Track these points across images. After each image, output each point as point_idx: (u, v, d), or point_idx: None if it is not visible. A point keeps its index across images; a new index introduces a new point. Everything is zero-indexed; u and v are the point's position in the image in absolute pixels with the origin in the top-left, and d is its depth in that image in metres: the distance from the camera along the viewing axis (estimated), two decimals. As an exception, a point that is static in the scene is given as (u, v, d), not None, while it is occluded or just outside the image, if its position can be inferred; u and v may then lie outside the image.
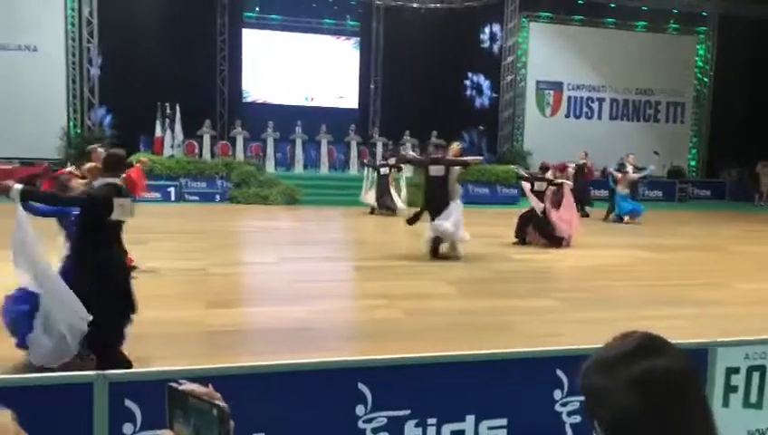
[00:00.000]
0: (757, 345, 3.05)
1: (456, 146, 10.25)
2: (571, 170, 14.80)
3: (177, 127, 18.22)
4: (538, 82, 23.21)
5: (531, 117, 23.10)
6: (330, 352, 5.01)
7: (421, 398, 2.61)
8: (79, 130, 18.72)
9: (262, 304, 7.11)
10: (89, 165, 7.17)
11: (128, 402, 2.28)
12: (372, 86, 23.82)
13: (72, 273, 4.56)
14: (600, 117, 23.91)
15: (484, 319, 6.41)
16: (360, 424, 2.54)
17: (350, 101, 23.55)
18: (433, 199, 9.66)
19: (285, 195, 16.82)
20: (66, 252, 4.95)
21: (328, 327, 6.07)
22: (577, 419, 2.78)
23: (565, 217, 11.49)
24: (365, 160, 18.04)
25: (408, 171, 18.83)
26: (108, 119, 19.85)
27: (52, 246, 5.09)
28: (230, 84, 22.42)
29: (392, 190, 15.77)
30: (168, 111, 18.06)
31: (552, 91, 23.41)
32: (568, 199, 11.69)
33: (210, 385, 1.23)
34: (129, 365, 4.27)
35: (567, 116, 23.60)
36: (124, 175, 7.13)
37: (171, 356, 4.78)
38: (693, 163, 24.88)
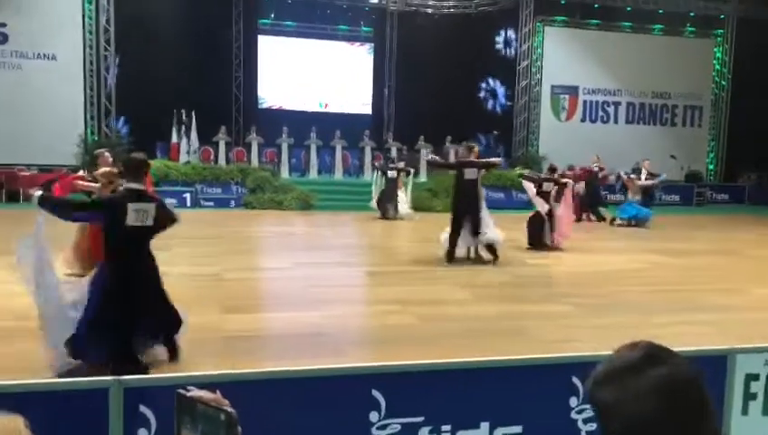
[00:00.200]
0: (777, 352, 3.00)
1: (475, 148, 10.29)
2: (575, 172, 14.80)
3: (193, 133, 18.39)
4: (553, 87, 23.10)
5: (546, 121, 22.99)
6: (344, 358, 5.01)
7: (435, 404, 2.60)
8: (96, 138, 18.92)
9: (277, 309, 7.12)
10: (102, 170, 7.31)
11: (142, 408, 2.29)
12: (386, 92, 23.86)
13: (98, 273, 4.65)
14: (616, 121, 23.75)
15: (498, 324, 6.37)
16: (374, 431, 2.53)
17: (365, 106, 23.61)
18: (467, 203, 9.63)
19: (300, 200, 16.87)
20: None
21: (342, 333, 6.07)
22: (593, 426, 2.75)
23: (564, 215, 11.59)
24: (376, 163, 18.01)
25: (422, 176, 18.86)
26: (124, 126, 20.06)
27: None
28: (245, 91, 22.58)
29: (400, 194, 15.76)
30: (184, 117, 18.23)
31: (567, 96, 23.29)
32: (567, 199, 11.73)
33: (218, 391, 1.23)
34: (145, 371, 4.30)
35: (582, 120, 23.46)
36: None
37: (187, 362, 4.80)
38: (711, 167, 24.63)
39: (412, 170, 16.52)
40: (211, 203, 17.04)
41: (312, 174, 19.05)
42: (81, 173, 8.10)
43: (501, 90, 24.48)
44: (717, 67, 24.39)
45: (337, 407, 2.50)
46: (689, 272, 9.69)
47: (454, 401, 2.61)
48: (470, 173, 9.64)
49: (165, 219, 4.79)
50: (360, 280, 9.03)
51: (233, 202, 17.20)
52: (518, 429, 2.70)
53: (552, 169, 12.41)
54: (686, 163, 22.74)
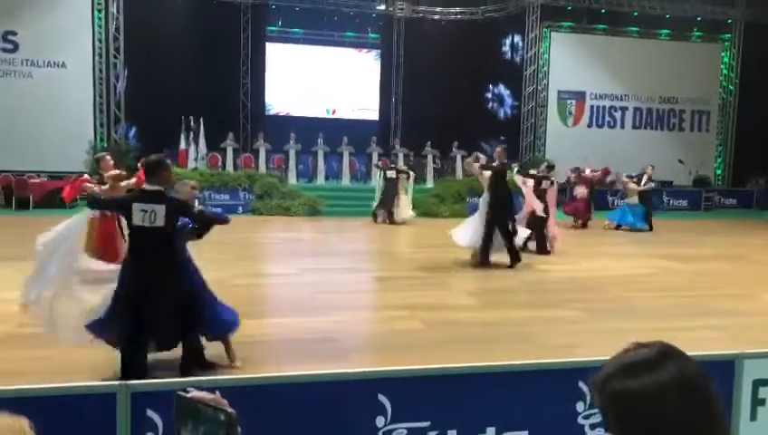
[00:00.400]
0: (785, 357, 2.98)
1: (500, 148, 10.36)
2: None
3: (201, 140, 18.48)
4: (560, 92, 23.09)
5: (553, 127, 22.97)
6: (351, 364, 5.01)
7: (441, 409, 2.60)
8: (105, 144, 19.04)
9: (284, 314, 7.13)
10: (112, 172, 7.56)
11: (149, 412, 2.31)
12: (393, 98, 23.91)
13: None
14: (623, 126, 23.71)
15: (504, 330, 6.36)
16: (380, 435, 2.53)
17: (372, 112, 23.66)
18: (509, 204, 9.90)
19: (307, 206, 16.91)
20: None
21: (349, 338, 6.07)
22: (600, 432, 2.74)
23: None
24: (378, 163, 17.85)
25: (429, 182, 18.88)
26: (133, 132, 20.18)
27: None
28: (253, 97, 22.68)
29: (402, 196, 15.73)
30: (192, 124, 18.32)
31: (574, 101, 23.27)
32: (551, 198, 11.68)
33: (217, 392, 1.25)
34: (143, 370, 4.40)
35: (589, 126, 23.43)
36: (135, 178, 7.46)
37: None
38: (719, 172, 24.52)
39: (411, 174, 16.50)
40: (219, 209, 16.93)
41: (320, 180, 19.08)
42: (86, 176, 8.28)
43: (507, 95, 24.48)
44: (725, 72, 24.31)
45: (343, 412, 2.50)
46: (697, 277, 9.65)
47: (460, 405, 2.61)
48: (505, 176, 9.99)
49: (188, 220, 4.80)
50: (367, 286, 9.03)
51: (240, 208, 17.25)
52: (524, 434, 2.69)
53: (551, 167, 12.28)
54: (694, 168, 22.66)
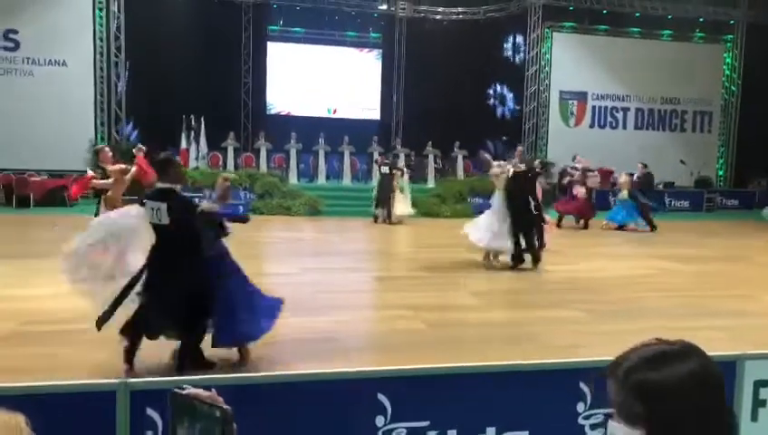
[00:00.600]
0: (787, 358, 2.98)
1: (520, 148, 10.36)
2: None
3: (202, 139, 18.50)
4: (562, 93, 23.07)
5: (554, 127, 22.95)
6: (351, 363, 5.01)
7: (441, 409, 2.59)
8: (106, 143, 19.05)
9: (285, 314, 7.10)
10: (116, 166, 7.66)
11: (149, 410, 2.30)
12: (395, 97, 23.90)
13: None
14: (624, 127, 23.69)
15: (507, 330, 6.35)
16: (380, 435, 2.52)
17: (373, 112, 23.65)
18: (526, 205, 9.85)
19: (308, 206, 16.90)
20: None
21: (350, 338, 6.07)
22: (601, 432, 2.73)
23: None
24: (376, 159, 17.74)
25: (430, 182, 18.87)
26: (134, 131, 20.19)
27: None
28: (254, 97, 22.69)
29: (398, 194, 15.70)
30: (193, 123, 18.34)
31: (575, 101, 23.26)
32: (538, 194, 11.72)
33: (213, 389, 1.24)
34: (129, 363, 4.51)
35: (591, 126, 23.41)
36: (135, 167, 7.49)
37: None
38: (721, 173, 24.50)
39: (406, 170, 16.49)
40: (240, 208, 17.08)
41: (321, 180, 19.08)
42: (90, 173, 8.28)
43: (509, 95, 24.48)
44: (727, 72, 24.29)
45: (343, 411, 2.50)
46: (699, 278, 9.63)
47: (460, 405, 2.61)
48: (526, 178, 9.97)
49: (194, 220, 4.70)
50: (368, 285, 9.02)
51: (241, 208, 17.24)
52: (524, 434, 2.69)
53: (545, 165, 12.27)
54: (696, 169, 22.62)
